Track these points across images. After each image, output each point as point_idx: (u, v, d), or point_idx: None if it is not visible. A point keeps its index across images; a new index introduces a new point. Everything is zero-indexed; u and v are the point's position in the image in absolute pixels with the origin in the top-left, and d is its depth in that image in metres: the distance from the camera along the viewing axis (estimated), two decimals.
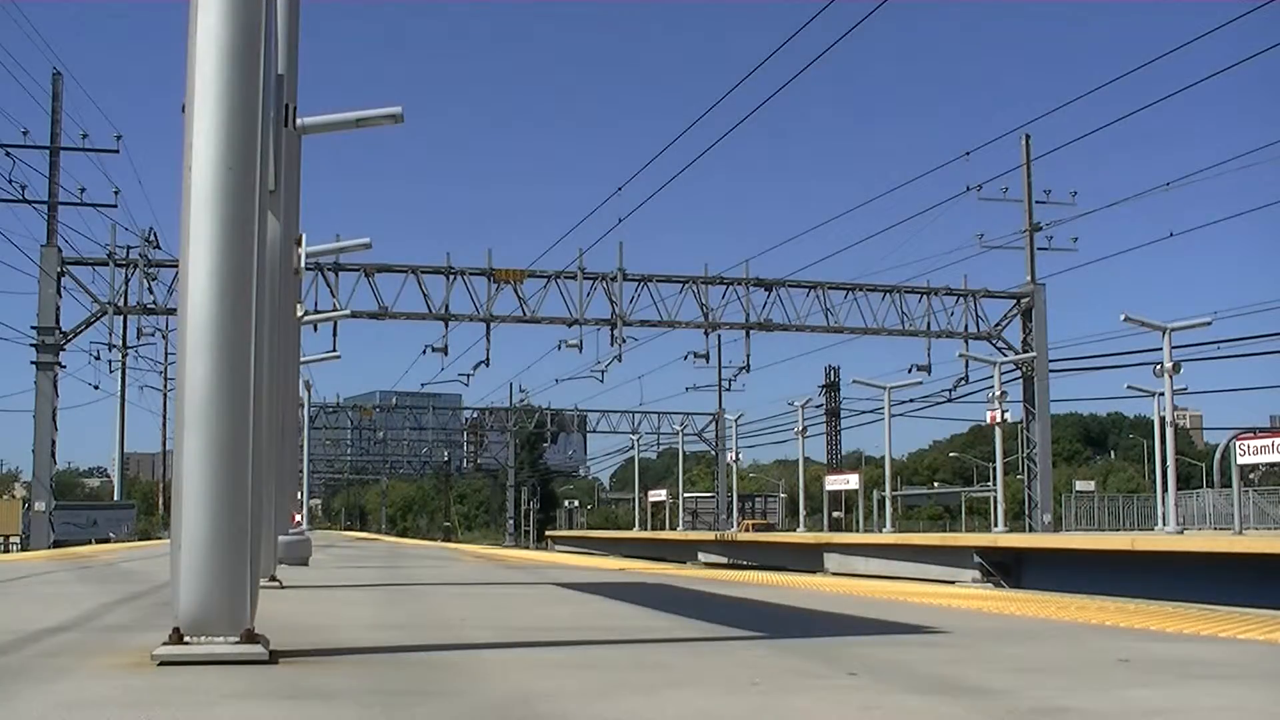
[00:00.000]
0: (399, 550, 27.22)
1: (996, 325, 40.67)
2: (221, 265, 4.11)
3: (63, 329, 35.35)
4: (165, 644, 4.07)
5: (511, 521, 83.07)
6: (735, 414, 49.81)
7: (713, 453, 66.84)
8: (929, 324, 39.91)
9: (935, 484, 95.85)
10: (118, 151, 37.01)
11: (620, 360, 40.14)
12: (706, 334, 40.12)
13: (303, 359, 19.04)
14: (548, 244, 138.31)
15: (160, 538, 42.66)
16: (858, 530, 52.87)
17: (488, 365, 39.08)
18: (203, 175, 4.14)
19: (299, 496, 19.35)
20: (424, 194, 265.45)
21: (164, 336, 51.46)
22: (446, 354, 38.35)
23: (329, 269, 35.49)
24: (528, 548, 62.98)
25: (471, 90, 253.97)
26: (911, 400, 46.09)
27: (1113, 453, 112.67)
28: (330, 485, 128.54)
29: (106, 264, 35.72)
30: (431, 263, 37.10)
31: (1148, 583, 18.39)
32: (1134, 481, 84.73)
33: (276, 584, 8.96)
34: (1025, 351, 39.45)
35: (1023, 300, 40.09)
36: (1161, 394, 27.16)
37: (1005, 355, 38.91)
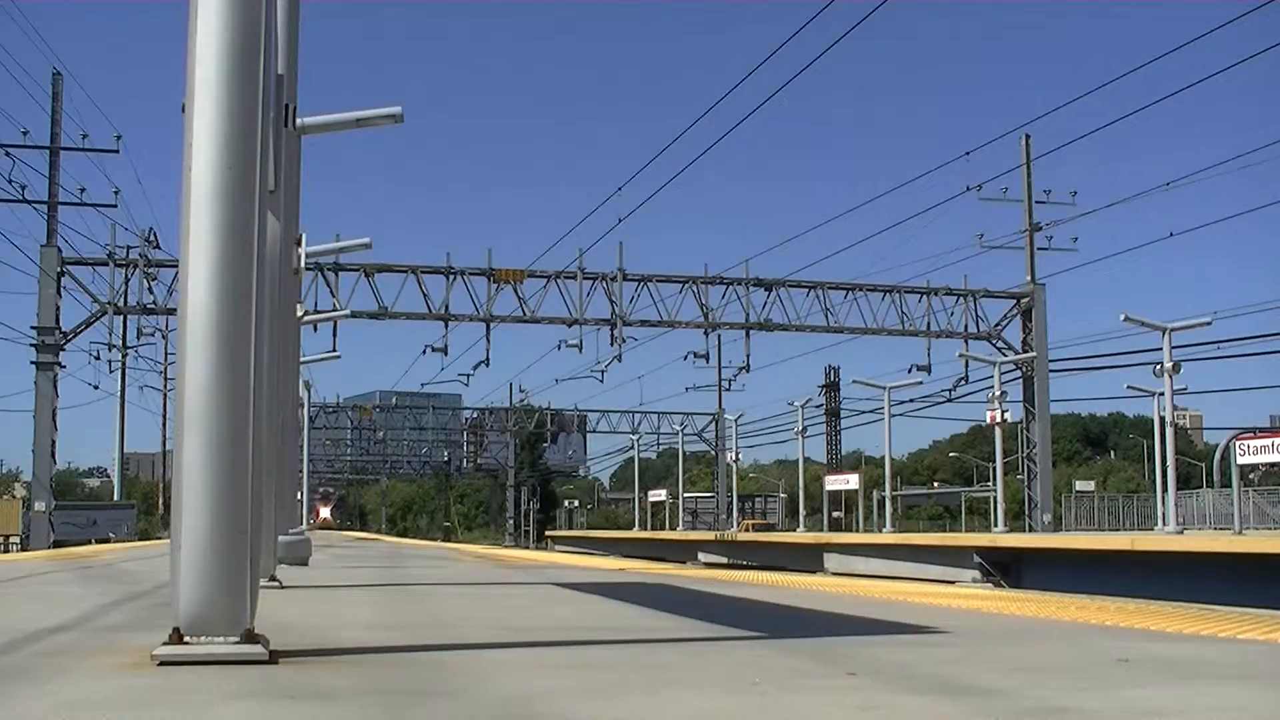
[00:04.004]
0: (399, 550, 27.22)
1: (996, 325, 40.69)
2: (221, 265, 4.11)
3: (63, 329, 35.33)
4: (165, 644, 4.07)
5: (511, 521, 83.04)
6: (735, 414, 49.84)
7: (713, 453, 66.84)
8: (929, 324, 39.91)
9: (935, 484, 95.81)
10: (118, 151, 37.06)
11: (620, 360, 40.20)
12: (706, 334, 40.15)
13: (303, 359, 19.03)
14: (548, 244, 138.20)
15: (160, 538, 42.66)
16: (858, 530, 52.87)
17: (488, 365, 39.15)
18: (203, 175, 4.14)
19: (299, 496, 19.35)
20: (424, 194, 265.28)
21: (164, 336, 51.46)
22: (446, 354, 38.40)
23: (329, 269, 35.49)
24: (528, 548, 62.96)
25: (471, 90, 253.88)
26: (911, 400, 46.12)
27: (1113, 453, 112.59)
28: (330, 485, 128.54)
29: (106, 264, 35.72)
30: (431, 263, 37.15)
31: (1148, 583, 18.38)
32: (1134, 481, 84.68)
33: (276, 584, 8.96)
34: (1025, 351, 39.44)
35: (1023, 300, 40.09)
36: (1161, 394, 27.15)
37: (1005, 355, 38.90)
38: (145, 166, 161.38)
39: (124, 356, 49.83)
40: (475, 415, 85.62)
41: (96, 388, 61.26)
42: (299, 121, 8.40)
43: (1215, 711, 3.47)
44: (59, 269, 34.91)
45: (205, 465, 4.04)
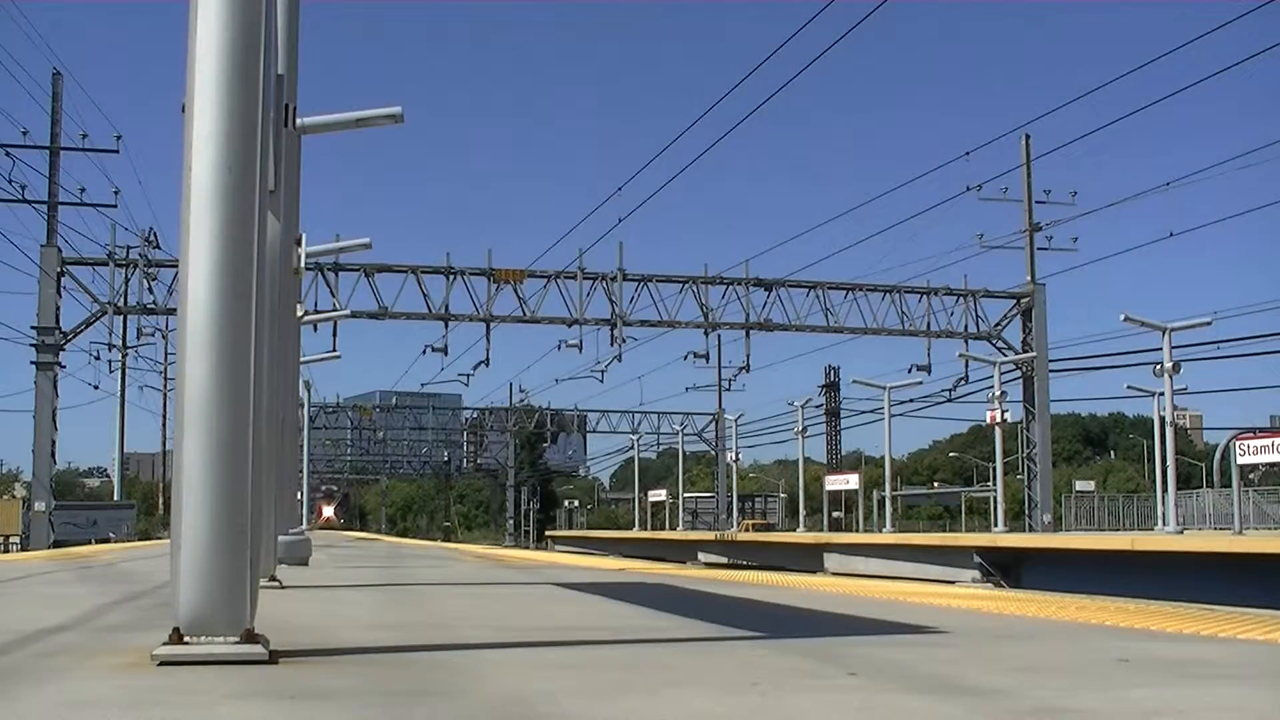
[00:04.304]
0: (399, 550, 27.22)
1: (996, 325, 40.69)
2: (221, 265, 4.11)
3: (63, 329, 35.35)
4: (165, 644, 4.07)
5: (511, 521, 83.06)
6: (735, 414, 49.81)
7: (713, 453, 66.84)
8: (929, 324, 39.92)
9: (935, 484, 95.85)
10: (118, 152, 37.13)
11: (620, 360, 40.22)
12: (706, 334, 40.14)
13: (303, 359, 19.04)
14: (548, 244, 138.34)
15: (160, 538, 42.66)
16: (858, 530, 52.87)
17: (488, 365, 39.15)
18: (203, 175, 4.14)
19: (299, 496, 19.36)
20: (424, 194, 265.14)
21: (164, 336, 51.49)
22: (446, 354, 38.42)
23: (329, 269, 35.50)
24: (528, 548, 62.97)
25: (472, 90, 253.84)
26: (911, 400, 46.13)
27: (1113, 453, 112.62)
28: (334, 483, 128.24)
29: (106, 264, 35.74)
30: (431, 263, 37.16)
31: (1148, 583, 18.39)
32: (1134, 481, 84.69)
33: (276, 584, 8.96)
34: (1025, 351, 39.45)
35: (1023, 300, 40.10)
36: (1161, 394, 27.15)
37: (1005, 355, 38.91)
38: (145, 166, 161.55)
39: (124, 356, 49.88)
40: (475, 415, 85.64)
41: (96, 388, 61.31)
42: (299, 121, 8.41)
43: (1215, 711, 3.47)
44: (59, 269, 34.92)
45: (205, 465, 4.04)
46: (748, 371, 43.46)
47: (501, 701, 3.54)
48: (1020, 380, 40.26)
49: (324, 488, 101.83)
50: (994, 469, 37.38)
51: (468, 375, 44.59)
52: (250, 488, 4.10)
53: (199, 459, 4.04)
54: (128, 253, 36.70)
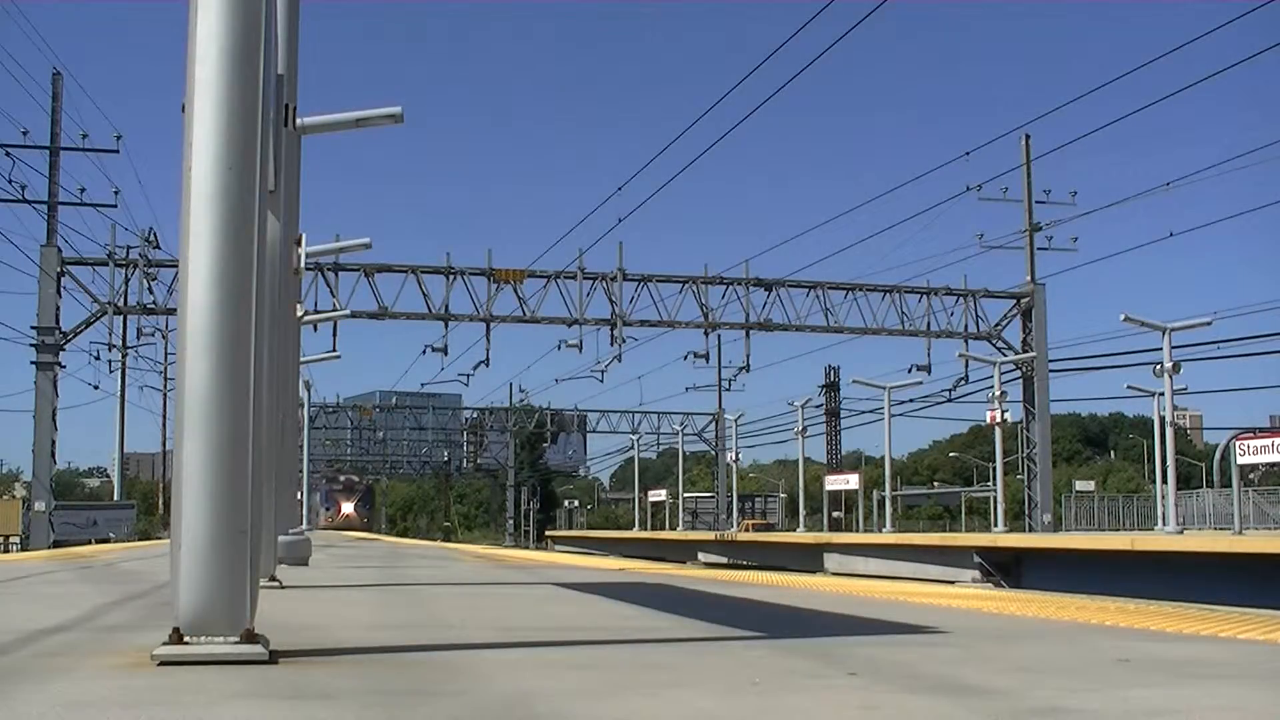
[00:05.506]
0: (399, 550, 27.21)
1: (996, 325, 40.67)
2: (221, 265, 4.11)
3: (63, 329, 35.32)
4: (165, 644, 4.07)
5: (511, 521, 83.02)
6: (735, 414, 49.77)
7: (713, 453, 66.84)
8: (929, 324, 39.90)
9: (935, 484, 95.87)
10: (118, 152, 37.02)
11: (620, 360, 40.16)
12: (706, 334, 40.10)
13: (303, 359, 19.03)
14: (548, 244, 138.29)
15: (160, 538, 42.65)
16: (858, 530, 52.84)
17: (488, 365, 39.12)
18: (203, 175, 4.14)
19: (299, 496, 19.36)
20: (424, 194, 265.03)
21: (164, 336, 51.40)
22: (446, 354, 38.39)
23: (329, 269, 35.48)
24: (528, 548, 62.95)
25: (471, 90, 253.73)
26: (911, 400, 46.11)
27: (1113, 453, 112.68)
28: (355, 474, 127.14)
29: (106, 264, 35.71)
30: (431, 263, 37.13)
31: (1148, 583, 18.39)
32: (1134, 481, 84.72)
33: (276, 584, 8.96)
34: (1025, 351, 39.44)
35: (1023, 300, 40.09)
36: (1161, 394, 27.15)
37: (1005, 355, 38.89)
38: (145, 166, 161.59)
39: (124, 356, 49.79)
40: (475, 415, 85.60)
41: (96, 388, 61.31)
42: (299, 121, 8.41)
43: (1215, 711, 3.47)
44: (59, 269, 34.90)
45: (205, 465, 4.04)
46: (748, 371, 43.44)
47: (502, 701, 3.54)
48: (1020, 380, 40.24)
49: (343, 478, 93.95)
50: (994, 469, 37.38)
51: (468, 375, 44.61)
52: (250, 488, 4.10)
53: (199, 459, 4.04)
54: (128, 253, 36.68)
